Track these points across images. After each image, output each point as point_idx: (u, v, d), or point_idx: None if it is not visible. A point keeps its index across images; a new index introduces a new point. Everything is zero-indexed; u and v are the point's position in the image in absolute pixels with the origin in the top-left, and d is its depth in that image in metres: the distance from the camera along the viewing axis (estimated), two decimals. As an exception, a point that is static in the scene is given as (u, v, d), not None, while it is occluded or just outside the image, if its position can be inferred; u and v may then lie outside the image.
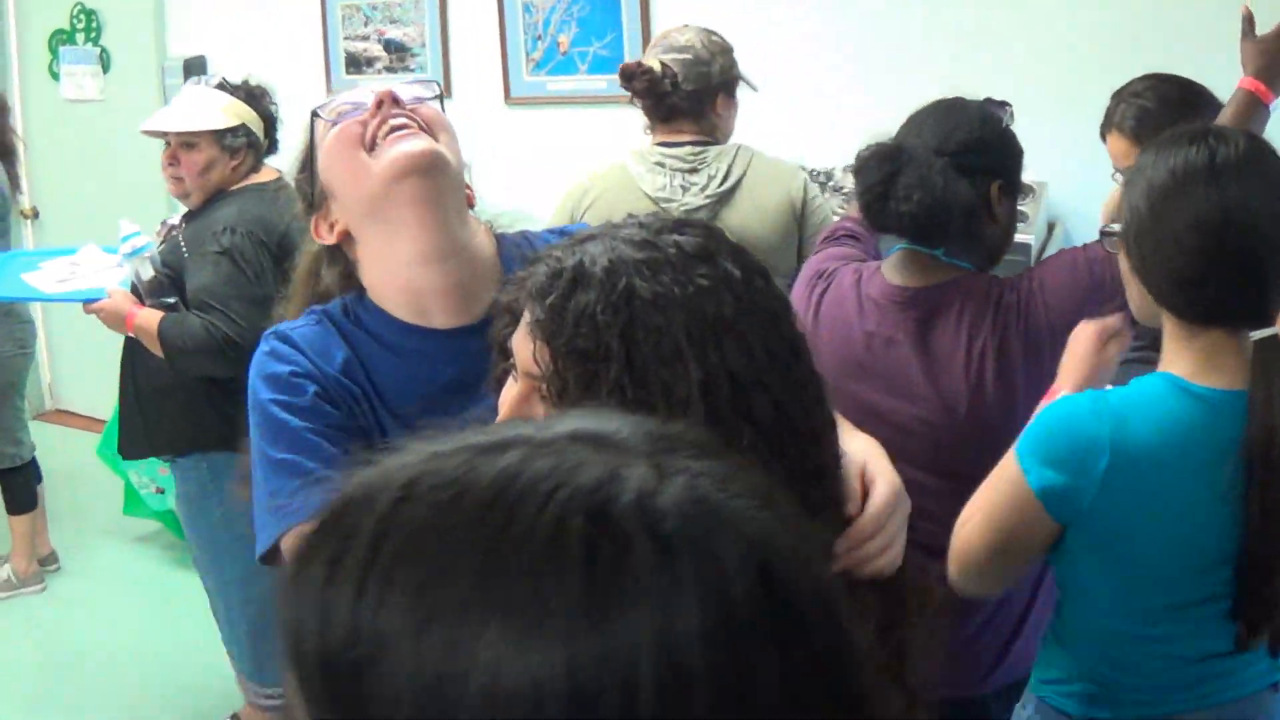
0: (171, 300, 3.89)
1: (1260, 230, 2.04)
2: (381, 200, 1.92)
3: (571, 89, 5.67)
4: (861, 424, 2.68)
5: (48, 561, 5.87)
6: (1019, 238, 3.02)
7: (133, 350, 4.10)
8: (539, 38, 5.71)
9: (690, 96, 3.65)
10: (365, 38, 6.21)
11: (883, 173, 2.63)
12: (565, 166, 5.57)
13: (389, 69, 6.17)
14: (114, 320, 4.00)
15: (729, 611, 0.72)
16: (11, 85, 7.63)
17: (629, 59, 5.34)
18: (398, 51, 6.13)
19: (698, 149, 3.64)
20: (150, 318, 3.87)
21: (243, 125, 4.10)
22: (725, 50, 3.73)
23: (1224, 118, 2.71)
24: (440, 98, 2.09)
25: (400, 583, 0.73)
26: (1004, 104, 2.80)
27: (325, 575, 0.76)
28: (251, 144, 4.12)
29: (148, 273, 3.93)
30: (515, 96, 5.83)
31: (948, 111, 2.72)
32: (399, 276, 1.95)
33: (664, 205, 3.57)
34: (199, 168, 4.08)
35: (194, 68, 6.68)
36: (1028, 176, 2.94)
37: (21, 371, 5.62)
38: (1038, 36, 4.62)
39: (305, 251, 2.17)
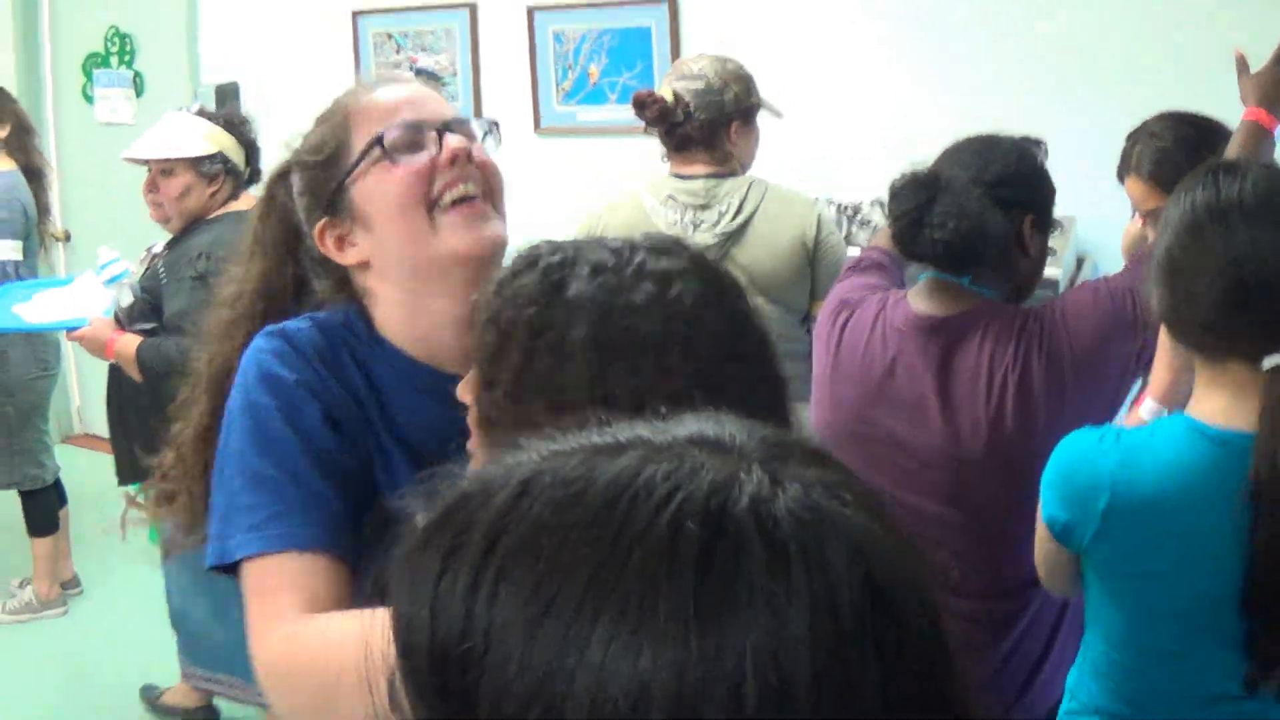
0: (150, 325, 3.98)
1: (1274, 267, 2.03)
2: (432, 268, 1.84)
3: (601, 119, 5.70)
4: (882, 454, 2.70)
5: (70, 585, 5.88)
6: (1047, 272, 3.02)
7: (117, 376, 4.19)
8: (569, 67, 5.74)
9: (703, 126, 3.65)
10: (397, 65, 6.24)
11: (918, 199, 2.64)
12: (595, 196, 5.61)
13: (420, 97, 6.17)
14: (94, 347, 4.15)
15: (837, 619, 0.72)
16: (45, 108, 7.68)
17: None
18: (429, 80, 6.12)
19: (711, 183, 3.63)
20: (128, 343, 4.00)
21: (220, 153, 4.19)
22: (740, 78, 3.71)
23: (1231, 149, 2.71)
24: (498, 137, 2.05)
25: (515, 578, 0.75)
26: (1038, 142, 2.82)
27: (439, 568, 0.78)
28: (229, 171, 4.22)
29: (127, 299, 4.05)
30: (545, 126, 5.86)
31: (985, 145, 2.74)
32: (420, 328, 1.88)
33: None
34: (176, 194, 4.20)
35: (227, 93, 6.73)
36: (1057, 211, 2.94)
37: (45, 393, 5.65)
38: (1067, 72, 4.62)
39: (252, 262, 2.03)
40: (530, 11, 5.77)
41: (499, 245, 1.85)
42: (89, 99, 7.55)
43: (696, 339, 1.40)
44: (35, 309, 4.57)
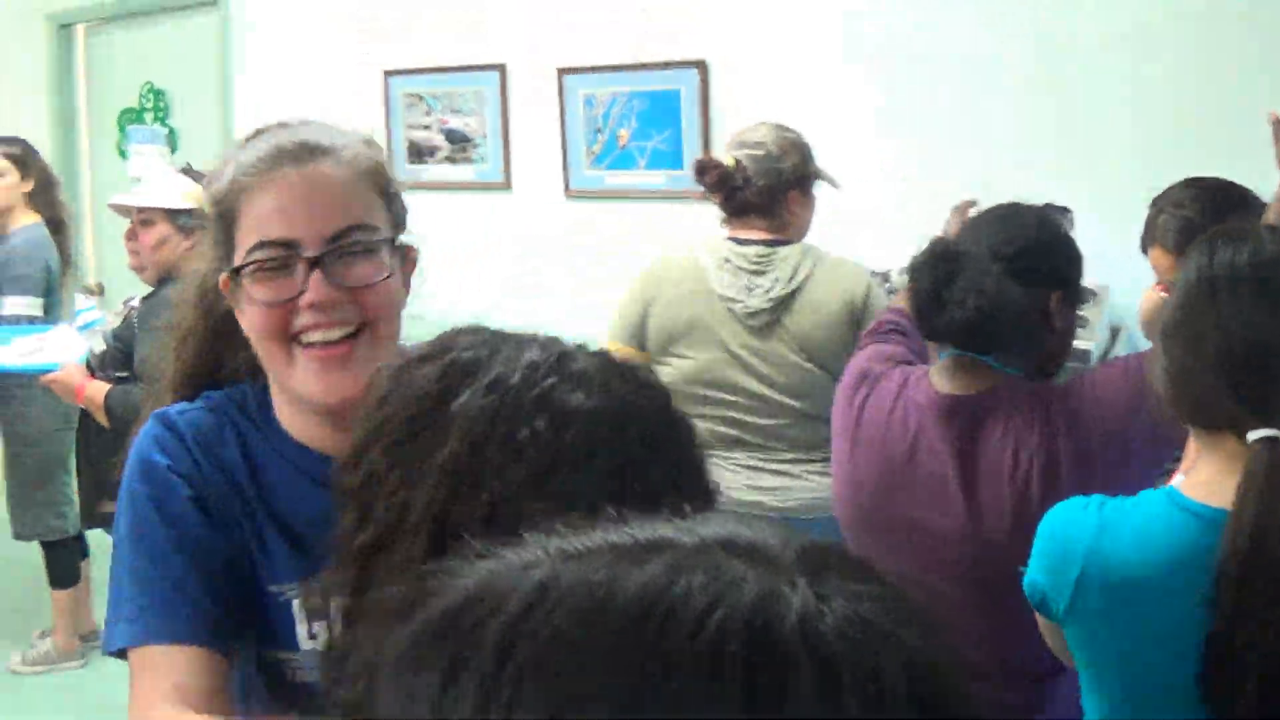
0: (123, 373, 4.14)
1: (1263, 339, 1.99)
2: (291, 391, 1.78)
3: (630, 183, 5.71)
4: (901, 534, 2.67)
5: (90, 638, 5.89)
6: (1081, 344, 2.99)
7: (86, 421, 4.37)
8: (599, 130, 5.76)
9: (762, 193, 3.73)
10: (427, 127, 6.29)
11: (936, 276, 2.60)
12: (623, 260, 5.62)
13: (450, 159, 6.25)
14: (65, 391, 4.48)
15: None
16: (81, 162, 7.77)
17: (688, 154, 5.42)
18: (460, 142, 6.21)
19: (767, 249, 3.69)
20: (98, 390, 4.23)
21: (199, 209, 4.27)
22: (798, 147, 3.81)
23: (1270, 215, 2.68)
24: (395, 258, 1.81)
25: (531, 701, 0.67)
26: (1064, 209, 2.79)
27: (441, 682, 0.70)
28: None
29: (99, 346, 4.23)
30: (574, 189, 5.87)
31: (1005, 217, 2.70)
32: (297, 418, 1.83)
33: (730, 305, 3.65)
34: (152, 243, 4.37)
35: (258, 150, 6.78)
36: (1090, 280, 2.92)
37: (66, 446, 5.69)
38: (1098, 138, 4.61)
39: (185, 321, 1.98)
40: (560, 74, 5.80)
41: (353, 398, 1.54)
42: (123, 154, 7.63)
43: (569, 488, 1.21)
44: (11, 352, 4.82)
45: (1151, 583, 1.98)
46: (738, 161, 3.74)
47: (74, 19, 8.01)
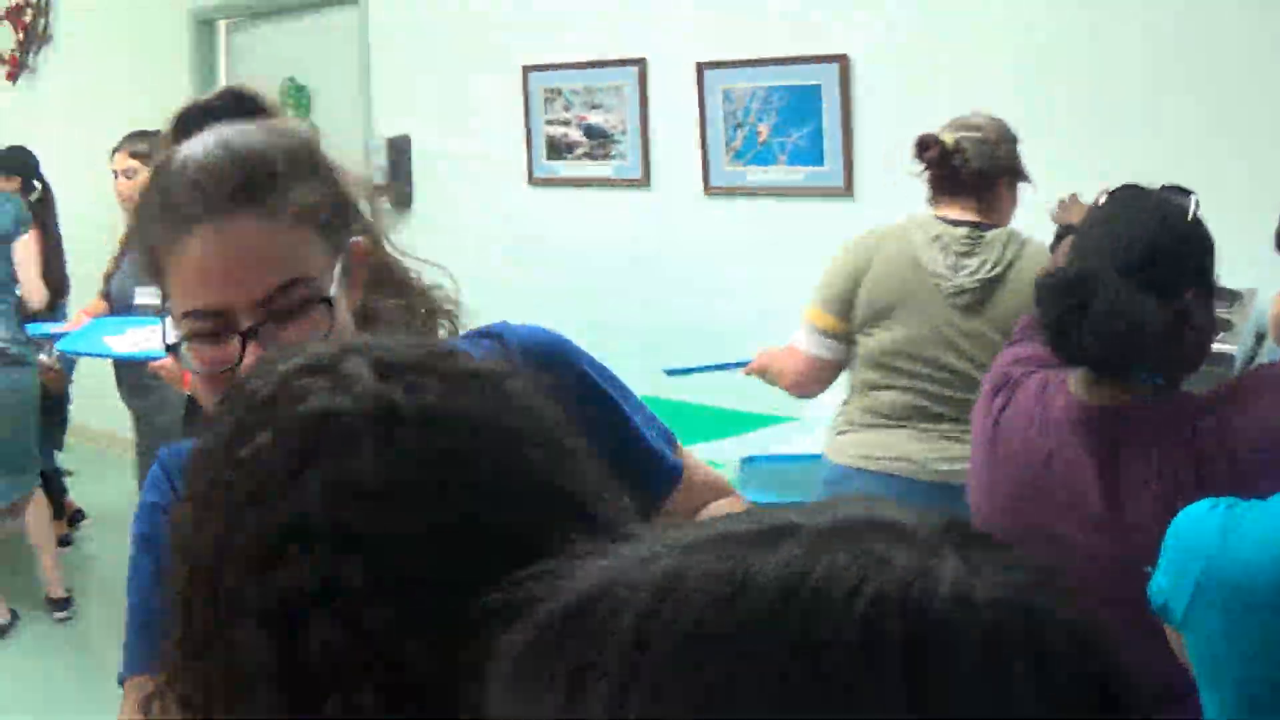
0: None
1: None
2: None
3: (770, 179, 5.71)
4: (1034, 549, 2.60)
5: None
6: (1222, 347, 2.90)
7: (192, 406, 4.56)
8: (738, 126, 5.76)
9: (976, 175, 3.87)
10: (566, 122, 6.35)
11: (1065, 305, 2.51)
12: (763, 258, 5.64)
13: (589, 155, 6.30)
14: (172, 378, 4.58)
15: (1059, 705, 0.65)
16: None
17: (828, 150, 5.43)
18: (599, 138, 6.25)
19: (976, 231, 3.81)
20: None
21: None
22: (1011, 139, 3.96)
23: None
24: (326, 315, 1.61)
25: (671, 696, 0.65)
26: (1185, 191, 2.66)
27: (569, 686, 0.67)
28: None
29: None
30: (714, 186, 5.88)
31: (1124, 218, 2.60)
32: None
33: (935, 281, 3.77)
34: None
35: (398, 146, 6.88)
36: (1233, 282, 2.85)
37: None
38: (1250, 132, 4.54)
39: None
40: (700, 69, 5.82)
41: None
42: (265, 150, 7.76)
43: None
44: (124, 341, 5.06)
45: (1273, 588, 1.92)
46: (957, 142, 3.87)
47: (216, 15, 8.18)
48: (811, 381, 4.08)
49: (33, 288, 6.47)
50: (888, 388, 3.87)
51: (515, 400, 1.11)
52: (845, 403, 4.04)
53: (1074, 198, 3.53)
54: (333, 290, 1.60)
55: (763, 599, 0.65)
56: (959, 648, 0.63)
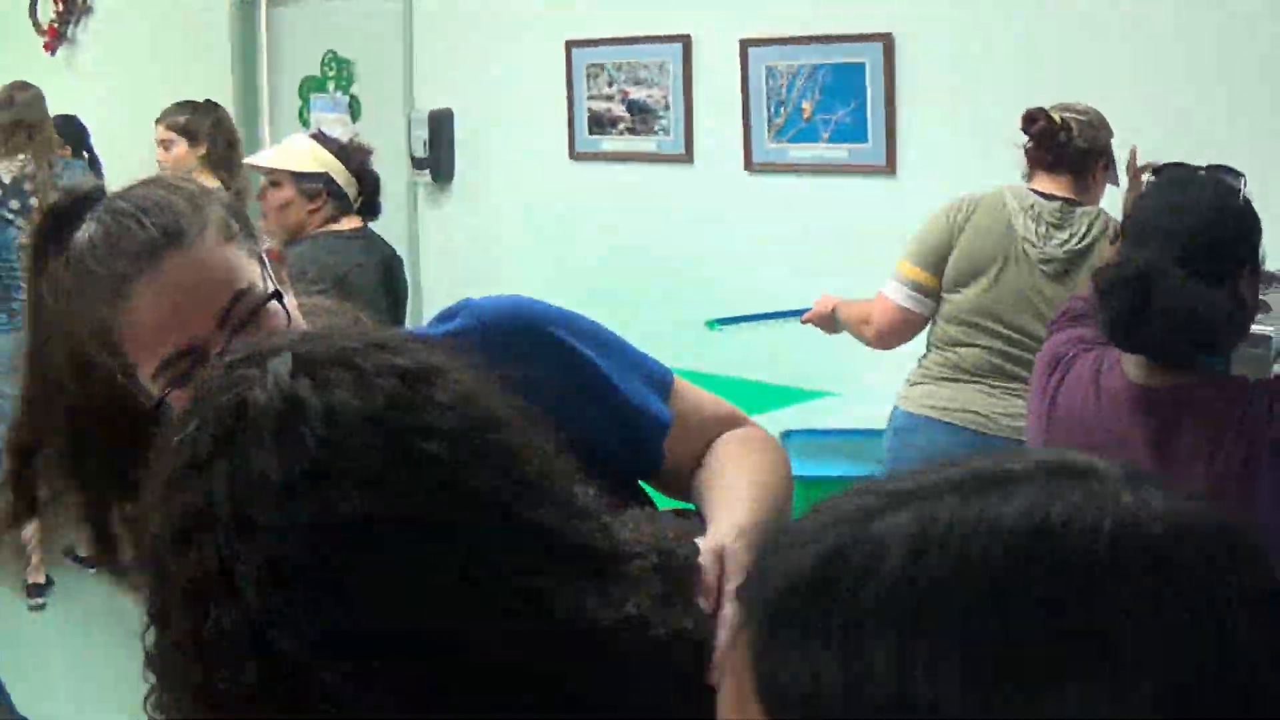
0: None
1: None
2: None
3: (812, 156, 5.79)
4: None
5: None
6: (1260, 328, 2.92)
7: None
8: (782, 103, 5.84)
9: (1078, 154, 4.05)
10: (609, 98, 6.43)
11: (1127, 301, 2.55)
12: (804, 235, 5.72)
13: (631, 130, 6.38)
14: None
15: (1257, 599, 0.74)
16: (263, 129, 8.00)
17: (871, 128, 5.50)
18: (641, 113, 6.33)
19: (1067, 206, 3.99)
20: None
21: (325, 174, 4.47)
22: (1108, 127, 4.13)
23: None
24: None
25: (947, 643, 0.71)
26: (1235, 174, 2.72)
27: (842, 643, 0.73)
28: (332, 193, 4.51)
29: None
30: (757, 162, 5.96)
31: (1178, 204, 2.67)
32: None
33: (1025, 247, 3.94)
34: (277, 205, 4.54)
35: (440, 120, 6.98)
36: (1274, 264, 2.90)
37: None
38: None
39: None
40: (744, 45, 5.89)
41: None
42: (305, 122, 7.85)
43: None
44: None
45: None
46: (1064, 120, 4.04)
47: (257, -14, 8.25)
48: (896, 333, 4.22)
49: None
50: (969, 345, 4.03)
51: (441, 393, 1.16)
52: (924, 356, 4.20)
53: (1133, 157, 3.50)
54: (272, 286, 1.68)
55: (1016, 539, 0.73)
56: (1194, 571, 0.73)
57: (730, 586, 1.33)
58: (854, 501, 0.78)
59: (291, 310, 1.70)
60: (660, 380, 1.80)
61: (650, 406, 1.75)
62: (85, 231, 1.67)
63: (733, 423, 1.82)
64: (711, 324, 4.65)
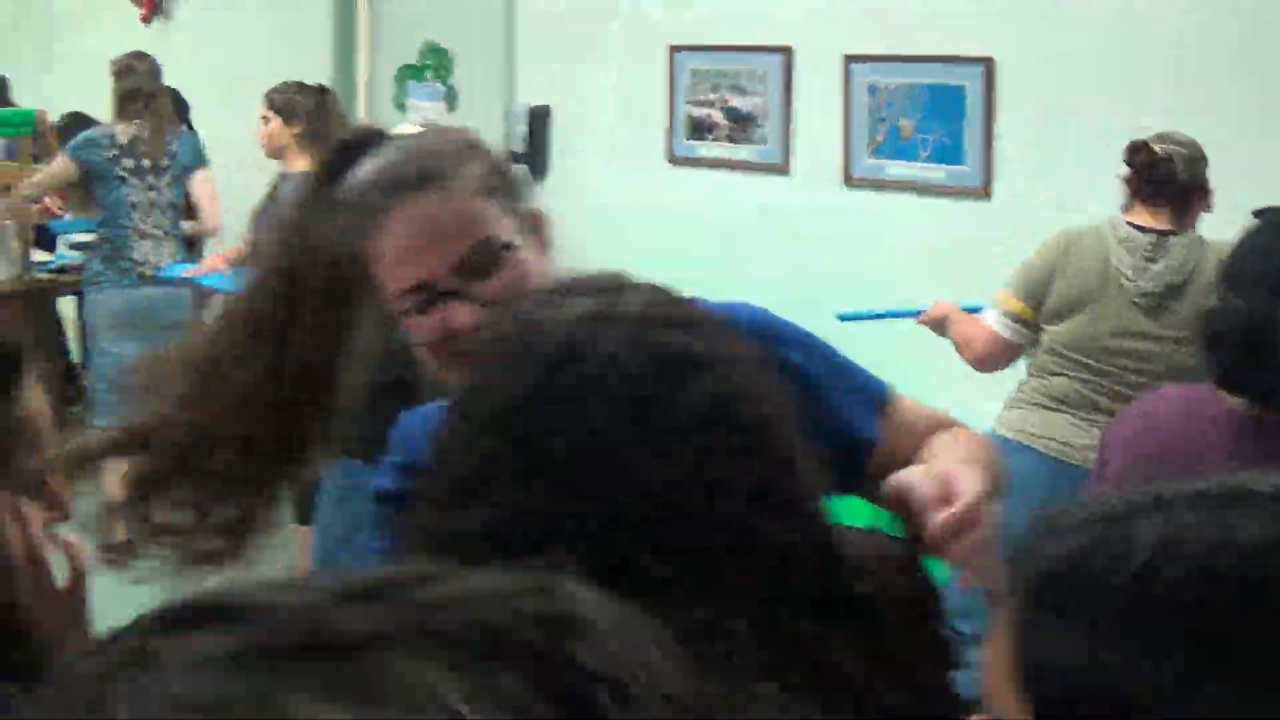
0: None
1: None
2: None
3: (910, 174, 5.90)
4: None
5: None
6: None
7: None
8: (881, 119, 5.95)
9: (1181, 186, 4.10)
10: (710, 104, 6.56)
11: (1238, 352, 2.59)
12: (899, 251, 5.83)
13: (730, 138, 6.51)
14: None
15: None
16: (359, 114, 8.11)
17: (969, 150, 5.62)
18: (740, 121, 6.46)
19: (1163, 238, 4.05)
20: None
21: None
22: (1206, 159, 4.16)
23: None
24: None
25: (1173, 643, 0.82)
26: None
27: (1088, 629, 0.85)
28: None
29: None
30: (855, 177, 6.07)
31: (1273, 248, 2.70)
32: None
33: (1121, 281, 4.03)
34: None
35: (539, 115, 7.15)
36: None
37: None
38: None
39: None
40: (846, 61, 6.01)
41: None
42: (402, 108, 8.01)
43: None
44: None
45: None
46: (1167, 152, 4.10)
47: (357, -32, 8.38)
48: (993, 358, 4.35)
49: (209, 214, 6.88)
50: (1061, 375, 4.15)
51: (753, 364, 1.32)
52: (1023, 381, 4.31)
53: None
54: (517, 240, 1.81)
55: (1255, 554, 0.84)
56: None
57: (968, 500, 1.44)
58: (1108, 503, 0.91)
59: (537, 269, 1.81)
60: (878, 397, 1.90)
61: (860, 429, 1.83)
62: (364, 166, 1.85)
63: (947, 425, 1.91)
64: (841, 316, 4.78)
